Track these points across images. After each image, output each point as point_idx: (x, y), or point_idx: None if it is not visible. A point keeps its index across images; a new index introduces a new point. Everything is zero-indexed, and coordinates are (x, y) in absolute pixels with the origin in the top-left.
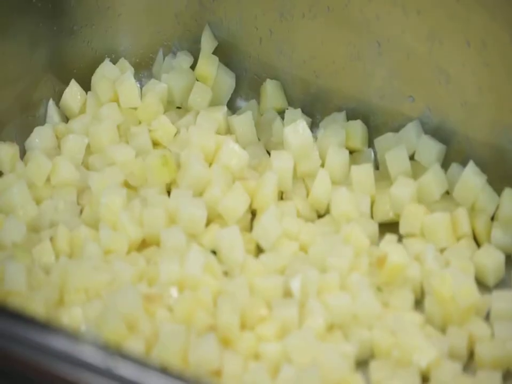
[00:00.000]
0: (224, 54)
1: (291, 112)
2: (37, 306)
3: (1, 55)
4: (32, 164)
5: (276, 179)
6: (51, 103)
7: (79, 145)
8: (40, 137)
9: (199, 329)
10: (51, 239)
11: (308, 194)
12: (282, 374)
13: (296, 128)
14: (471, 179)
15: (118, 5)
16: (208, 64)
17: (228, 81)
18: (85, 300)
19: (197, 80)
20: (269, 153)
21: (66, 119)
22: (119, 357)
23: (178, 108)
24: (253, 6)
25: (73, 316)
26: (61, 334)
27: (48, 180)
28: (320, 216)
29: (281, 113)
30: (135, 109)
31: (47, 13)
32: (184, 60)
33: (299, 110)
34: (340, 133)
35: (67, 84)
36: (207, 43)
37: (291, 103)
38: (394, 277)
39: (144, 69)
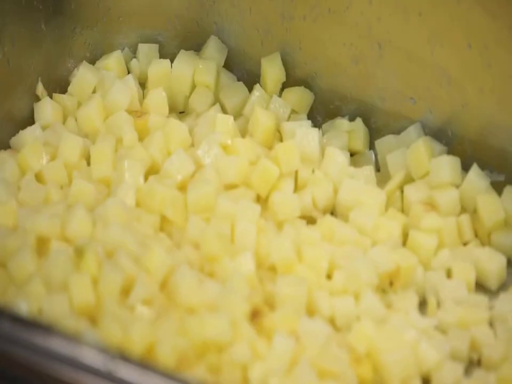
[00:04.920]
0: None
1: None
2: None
3: (2, 56)
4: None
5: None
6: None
7: (77, 145)
8: (35, 135)
9: None
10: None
11: (310, 197)
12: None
13: (307, 139)
14: (474, 182)
15: (119, 7)
16: (208, 74)
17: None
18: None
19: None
20: None
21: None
22: (120, 359)
23: (181, 112)
24: (254, 8)
25: None
26: (62, 336)
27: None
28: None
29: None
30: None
31: (48, 14)
32: (185, 62)
33: (309, 122)
34: (343, 136)
35: (68, 85)
36: (217, 54)
37: None
38: (399, 280)
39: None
